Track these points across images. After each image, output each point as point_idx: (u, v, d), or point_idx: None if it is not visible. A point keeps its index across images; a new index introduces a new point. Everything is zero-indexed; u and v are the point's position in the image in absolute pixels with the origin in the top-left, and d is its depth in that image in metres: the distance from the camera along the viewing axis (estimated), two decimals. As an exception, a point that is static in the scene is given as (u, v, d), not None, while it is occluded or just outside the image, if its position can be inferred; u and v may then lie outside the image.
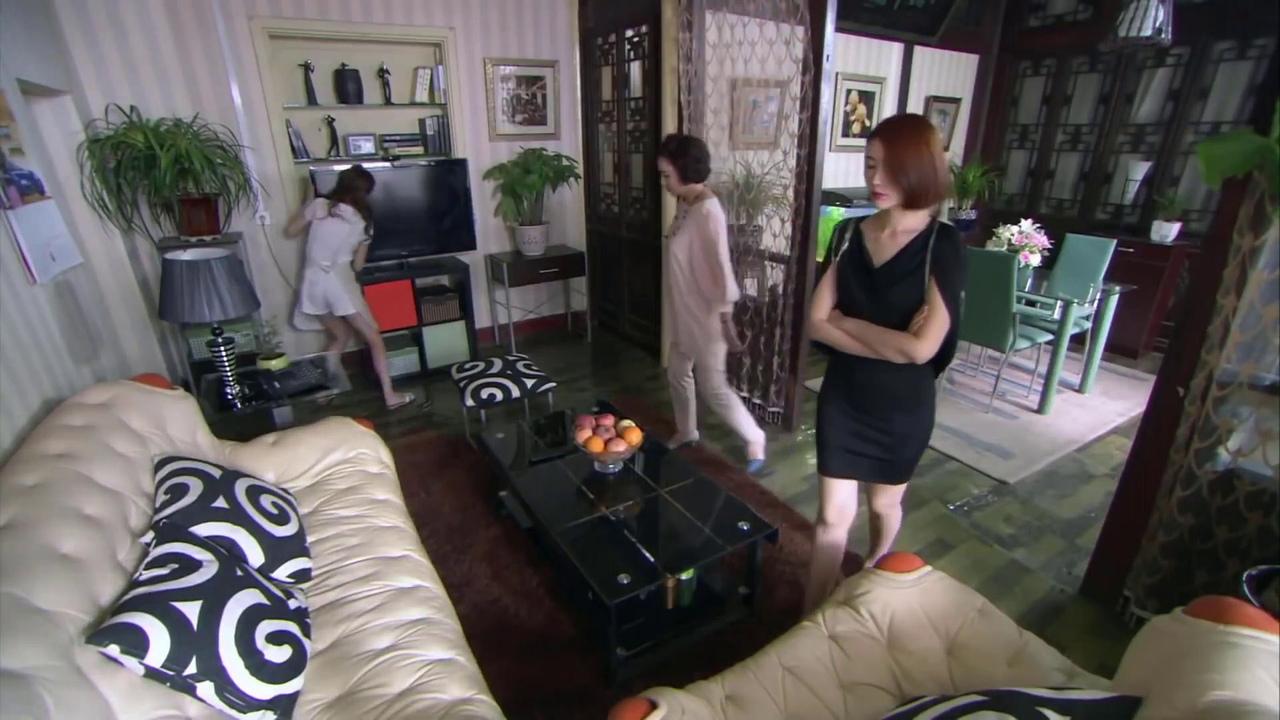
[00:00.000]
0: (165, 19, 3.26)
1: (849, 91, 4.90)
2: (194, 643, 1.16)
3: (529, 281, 4.60)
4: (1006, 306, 3.45)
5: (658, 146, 2.59)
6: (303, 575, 1.65)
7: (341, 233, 3.32)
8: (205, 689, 1.17)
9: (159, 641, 1.12)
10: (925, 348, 1.55)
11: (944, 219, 6.08)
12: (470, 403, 2.98)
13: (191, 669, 1.15)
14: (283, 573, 1.61)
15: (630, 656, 1.91)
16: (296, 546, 1.68)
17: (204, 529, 1.50)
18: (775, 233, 3.38)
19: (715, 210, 2.56)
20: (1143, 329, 4.46)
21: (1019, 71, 5.35)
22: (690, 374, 3.07)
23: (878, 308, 1.62)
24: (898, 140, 1.51)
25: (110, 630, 1.10)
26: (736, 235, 3.63)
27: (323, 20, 3.67)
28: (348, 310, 3.45)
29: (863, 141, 5.13)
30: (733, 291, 2.65)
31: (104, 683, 1.07)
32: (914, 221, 1.58)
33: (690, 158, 2.54)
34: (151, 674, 1.13)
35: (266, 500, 1.73)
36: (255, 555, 1.56)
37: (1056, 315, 3.53)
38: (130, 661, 1.10)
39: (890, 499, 2.03)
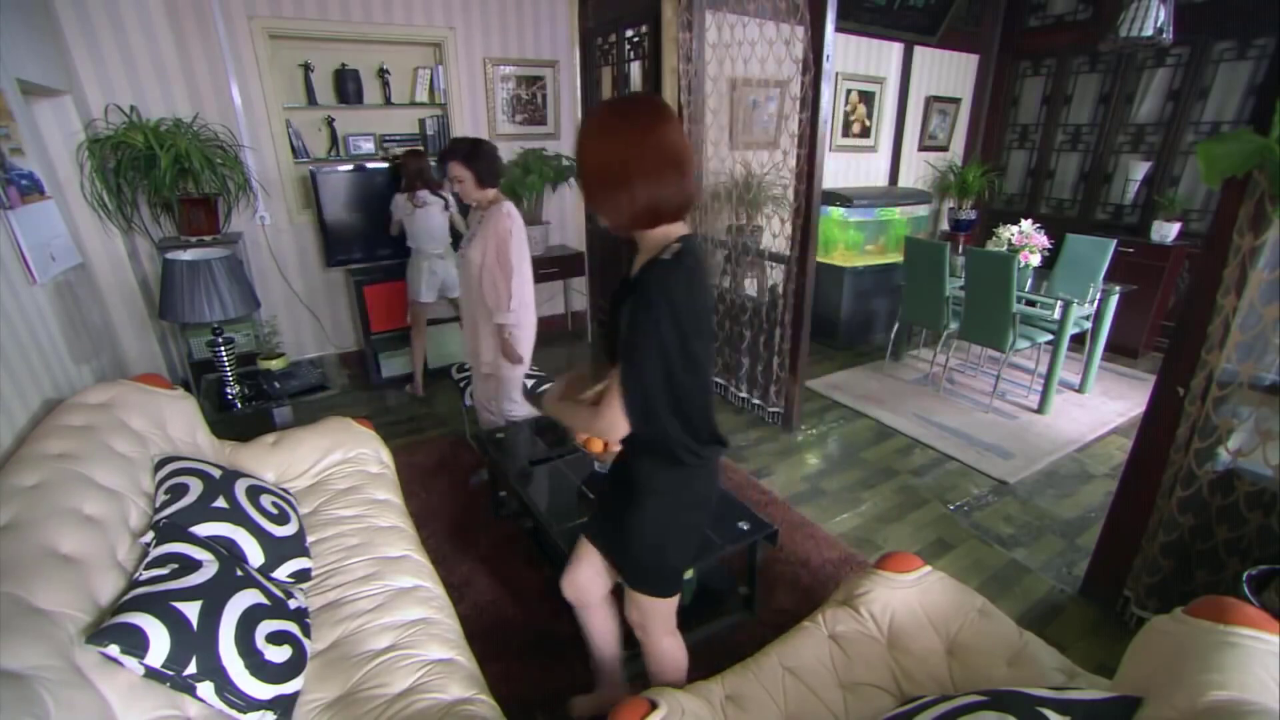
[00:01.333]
0: (165, 19, 3.26)
1: (849, 91, 4.90)
2: (194, 643, 1.16)
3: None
4: (1006, 306, 3.45)
5: (445, 151, 2.35)
6: (303, 575, 1.65)
7: (439, 217, 3.48)
8: (205, 689, 1.17)
9: (159, 641, 1.12)
10: (603, 424, 1.15)
11: (943, 220, 6.04)
12: (470, 403, 2.98)
13: (191, 669, 1.15)
14: (283, 573, 1.61)
15: (630, 656, 1.91)
16: (296, 546, 1.68)
17: (204, 529, 1.50)
18: (775, 233, 3.38)
19: (515, 211, 2.38)
20: (1143, 329, 4.46)
21: (1019, 71, 5.35)
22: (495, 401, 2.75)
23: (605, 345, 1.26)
24: (580, 140, 1.10)
25: (110, 630, 1.10)
26: (735, 235, 3.64)
27: (323, 20, 3.67)
28: (457, 292, 3.58)
29: (863, 141, 5.15)
30: (518, 300, 2.37)
31: (104, 683, 1.07)
32: (653, 240, 1.15)
33: (485, 160, 2.34)
34: (151, 674, 1.12)
35: (266, 500, 1.72)
36: (255, 555, 1.56)
37: (1056, 315, 3.53)
38: (130, 661, 1.10)
39: (636, 610, 1.43)
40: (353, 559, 1.75)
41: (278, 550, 1.61)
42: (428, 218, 3.44)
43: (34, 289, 1.90)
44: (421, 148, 3.63)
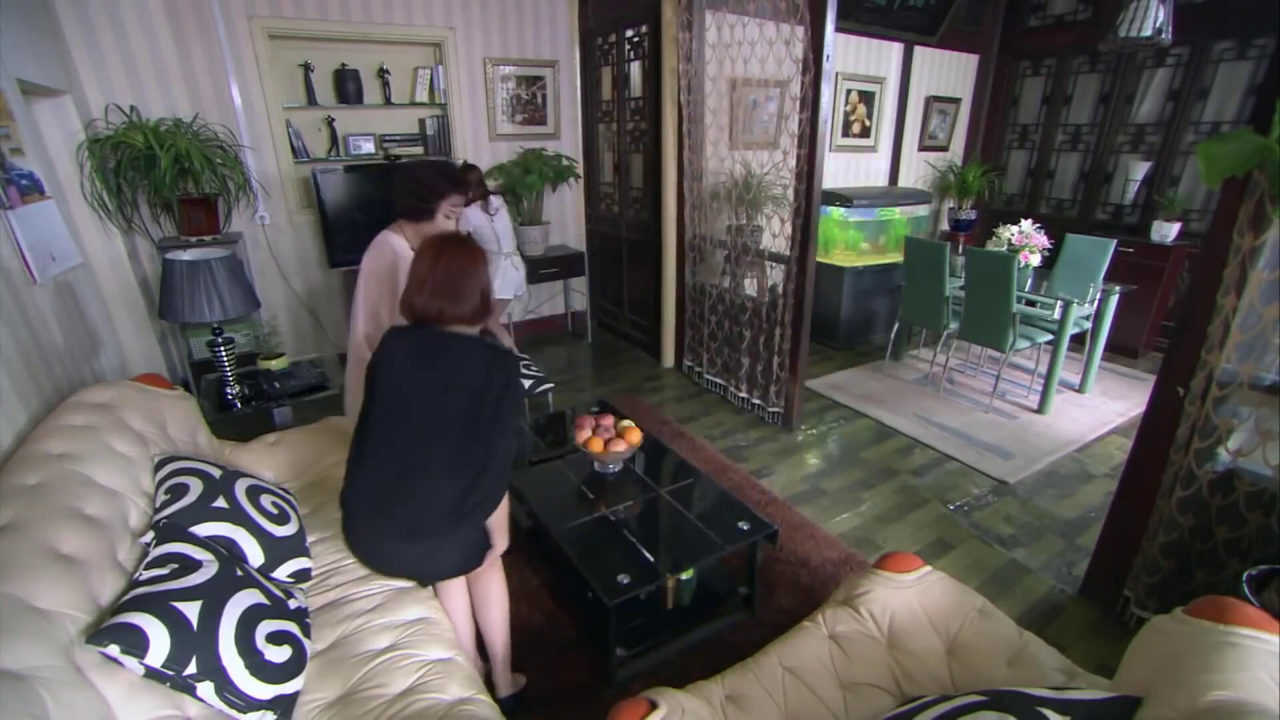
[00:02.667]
0: (165, 19, 3.26)
1: (849, 91, 4.90)
2: (194, 643, 1.16)
3: (529, 281, 4.60)
4: (1006, 306, 3.45)
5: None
6: (303, 575, 1.65)
7: (506, 218, 3.75)
8: (205, 689, 1.17)
9: (159, 641, 1.12)
10: None
11: (943, 220, 6.04)
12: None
13: (191, 669, 1.14)
14: (283, 572, 1.61)
15: (630, 656, 1.91)
16: (296, 546, 1.68)
17: (204, 529, 1.50)
18: (775, 233, 3.38)
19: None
20: (1143, 329, 4.46)
21: (1019, 71, 5.35)
22: None
23: None
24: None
25: (110, 630, 1.09)
26: (735, 235, 3.64)
27: (323, 20, 3.67)
28: (523, 290, 3.92)
29: (863, 141, 5.15)
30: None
31: (104, 683, 1.07)
32: None
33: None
34: (151, 674, 1.12)
35: (266, 500, 1.72)
36: (255, 555, 1.56)
37: (1056, 315, 3.53)
38: (130, 661, 1.10)
39: None
40: (352, 559, 1.75)
41: (278, 550, 1.61)
42: (501, 221, 3.69)
43: (34, 289, 1.90)
44: (472, 164, 3.85)
